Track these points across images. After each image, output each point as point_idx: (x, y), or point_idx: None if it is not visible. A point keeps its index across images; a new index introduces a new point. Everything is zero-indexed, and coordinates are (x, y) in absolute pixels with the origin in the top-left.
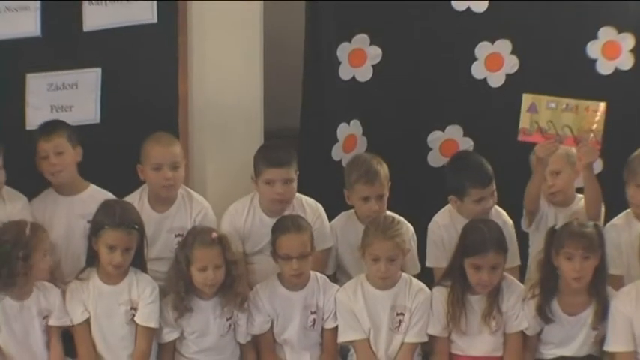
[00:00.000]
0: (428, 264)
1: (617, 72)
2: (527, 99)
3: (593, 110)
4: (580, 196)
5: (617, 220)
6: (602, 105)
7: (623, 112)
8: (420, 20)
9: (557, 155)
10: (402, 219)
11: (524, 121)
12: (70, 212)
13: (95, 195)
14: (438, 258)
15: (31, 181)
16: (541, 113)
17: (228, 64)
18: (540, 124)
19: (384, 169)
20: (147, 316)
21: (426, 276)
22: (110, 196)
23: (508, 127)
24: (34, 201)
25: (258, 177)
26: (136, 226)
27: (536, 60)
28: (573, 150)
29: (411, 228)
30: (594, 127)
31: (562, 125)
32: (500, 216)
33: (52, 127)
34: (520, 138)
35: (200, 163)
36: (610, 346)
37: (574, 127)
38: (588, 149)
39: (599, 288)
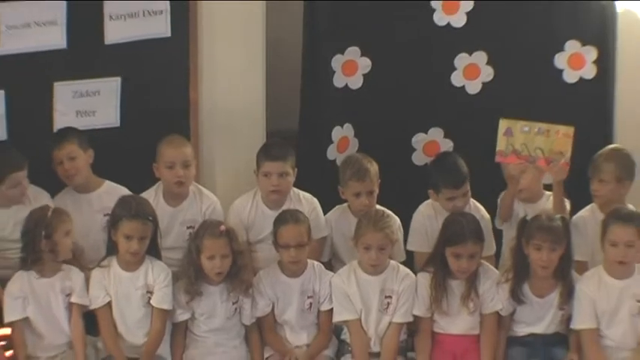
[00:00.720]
0: (408, 247)
1: (582, 81)
2: (503, 124)
3: (563, 134)
4: (548, 193)
5: (583, 212)
6: (571, 130)
7: (587, 117)
8: (405, 34)
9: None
10: (390, 212)
11: (501, 144)
12: (89, 208)
13: (110, 190)
14: (418, 243)
15: (56, 178)
16: (516, 137)
17: (233, 72)
18: (515, 147)
19: (373, 168)
20: (161, 300)
21: (410, 263)
22: (124, 190)
23: (484, 129)
24: (55, 198)
25: (258, 170)
26: (150, 218)
27: (509, 70)
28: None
29: (398, 220)
30: (565, 149)
31: (535, 147)
32: (479, 210)
33: (62, 136)
34: (497, 159)
35: (209, 161)
36: (576, 324)
37: (545, 149)
38: (559, 169)
39: (564, 273)
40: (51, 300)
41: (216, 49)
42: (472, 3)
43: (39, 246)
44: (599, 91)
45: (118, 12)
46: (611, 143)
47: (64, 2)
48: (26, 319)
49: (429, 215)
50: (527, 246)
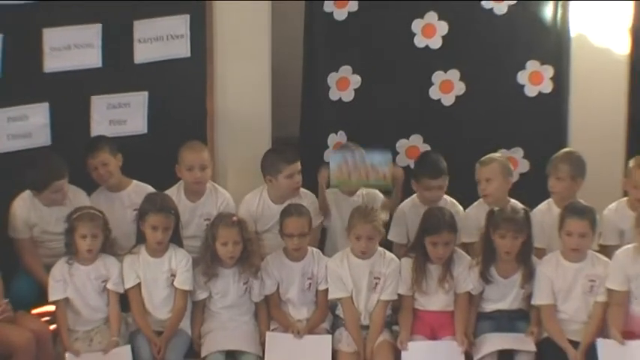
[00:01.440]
0: (389, 237)
1: (541, 95)
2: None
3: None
4: (513, 200)
5: (542, 206)
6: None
7: (546, 125)
8: (390, 55)
9: (492, 166)
10: (378, 208)
11: None
12: (120, 204)
13: (137, 189)
14: (398, 235)
15: (91, 177)
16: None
17: (244, 87)
18: None
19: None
20: (183, 281)
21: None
22: (150, 189)
23: (458, 136)
24: (91, 197)
25: (279, 173)
26: (172, 212)
27: (479, 85)
28: (509, 164)
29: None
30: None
31: None
32: (454, 205)
33: (95, 146)
34: None
35: (223, 163)
36: (536, 301)
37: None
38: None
39: (526, 257)
40: (87, 285)
41: (229, 67)
42: (446, 26)
43: (69, 242)
44: (555, 103)
45: (145, 36)
46: (566, 147)
47: (100, 27)
48: (67, 299)
49: (409, 209)
50: (494, 234)
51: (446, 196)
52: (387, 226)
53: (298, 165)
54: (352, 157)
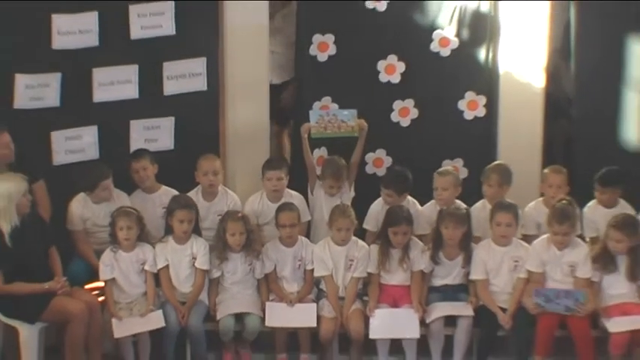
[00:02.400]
0: (364, 226)
1: (476, 118)
2: None
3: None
4: (457, 201)
5: (478, 204)
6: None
7: (480, 143)
8: (361, 88)
9: (448, 178)
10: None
11: None
12: (152, 204)
13: (166, 192)
14: (370, 225)
15: (129, 184)
16: None
17: (248, 113)
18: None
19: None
20: (202, 263)
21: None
22: (175, 192)
23: (413, 151)
24: (130, 197)
25: (264, 176)
26: (194, 208)
27: (429, 111)
28: (459, 177)
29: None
30: None
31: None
32: (415, 205)
33: (139, 154)
34: None
35: (232, 172)
36: (473, 276)
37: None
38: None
39: (466, 244)
40: (129, 267)
41: (236, 98)
42: (404, 66)
43: (112, 233)
44: (487, 125)
45: (172, 74)
46: (496, 159)
47: (137, 67)
48: (113, 278)
49: (378, 210)
50: (442, 226)
51: (408, 197)
52: (360, 216)
53: (279, 173)
54: (327, 114)
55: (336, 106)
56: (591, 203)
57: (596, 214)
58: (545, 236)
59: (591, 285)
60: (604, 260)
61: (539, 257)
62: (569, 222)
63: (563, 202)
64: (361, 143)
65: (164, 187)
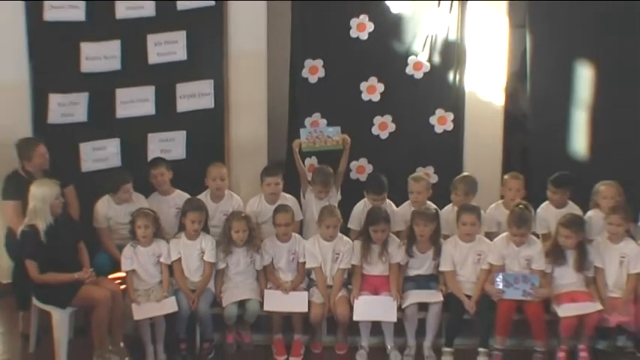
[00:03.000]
0: (349, 225)
1: (445, 132)
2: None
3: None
4: (428, 202)
5: (447, 207)
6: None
7: (448, 154)
8: (345, 105)
9: (422, 183)
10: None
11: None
12: (167, 205)
13: (180, 195)
14: (354, 224)
15: (147, 187)
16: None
17: (249, 127)
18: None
19: (338, 214)
20: (209, 256)
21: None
22: (187, 196)
23: (391, 160)
24: (148, 199)
25: (262, 182)
26: (204, 210)
27: (405, 125)
28: (430, 182)
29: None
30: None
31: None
32: (391, 206)
33: (157, 162)
34: None
35: (236, 177)
36: (442, 268)
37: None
38: None
39: (435, 240)
40: (146, 260)
41: (240, 114)
42: (383, 86)
43: (132, 230)
44: (455, 137)
45: (184, 93)
46: (462, 172)
47: (154, 88)
48: (133, 270)
49: (361, 210)
50: (415, 224)
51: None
52: (345, 216)
53: (276, 178)
54: (315, 131)
55: (324, 121)
56: (544, 204)
57: (547, 214)
58: (504, 234)
59: (544, 276)
60: (555, 254)
61: (499, 252)
62: (525, 226)
63: (521, 206)
64: (346, 154)
65: (178, 191)
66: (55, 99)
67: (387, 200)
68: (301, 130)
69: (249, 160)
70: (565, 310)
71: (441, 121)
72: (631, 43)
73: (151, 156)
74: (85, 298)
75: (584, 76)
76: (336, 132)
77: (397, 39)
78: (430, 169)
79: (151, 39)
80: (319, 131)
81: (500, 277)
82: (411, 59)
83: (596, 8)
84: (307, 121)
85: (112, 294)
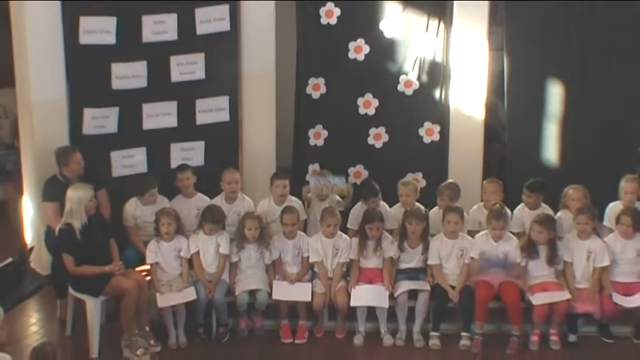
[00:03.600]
0: (347, 225)
1: (432, 142)
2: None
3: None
4: (417, 204)
5: (434, 209)
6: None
7: (434, 163)
8: (344, 119)
9: (410, 187)
10: (335, 205)
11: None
12: (189, 206)
13: (201, 198)
14: (352, 223)
15: (170, 190)
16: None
17: (260, 138)
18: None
19: (338, 214)
20: (224, 249)
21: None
22: (207, 199)
23: (383, 165)
24: (171, 201)
25: (272, 184)
26: (221, 222)
27: (397, 136)
28: (418, 186)
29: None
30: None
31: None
32: (385, 206)
33: (184, 167)
34: None
35: (248, 181)
36: (430, 261)
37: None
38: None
39: (424, 237)
40: (169, 254)
41: (253, 126)
42: (377, 102)
43: (156, 227)
44: (441, 147)
45: (203, 108)
46: (447, 177)
47: (176, 103)
48: (157, 262)
49: (358, 213)
50: (406, 223)
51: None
52: (344, 217)
53: (284, 181)
54: (323, 179)
55: (326, 132)
56: (519, 206)
57: (522, 215)
58: (484, 231)
59: (520, 268)
60: (529, 249)
61: (480, 247)
62: (503, 219)
63: (497, 205)
64: (348, 199)
65: (199, 194)
66: (89, 113)
67: (382, 202)
68: (310, 179)
69: (260, 166)
70: (538, 299)
71: (428, 132)
72: (595, 64)
73: (173, 163)
74: (115, 288)
75: (555, 93)
76: (341, 181)
77: (390, 60)
78: (419, 175)
79: (174, 60)
80: (327, 180)
81: (486, 255)
82: (403, 78)
83: (566, 34)
84: (310, 132)
85: (139, 284)
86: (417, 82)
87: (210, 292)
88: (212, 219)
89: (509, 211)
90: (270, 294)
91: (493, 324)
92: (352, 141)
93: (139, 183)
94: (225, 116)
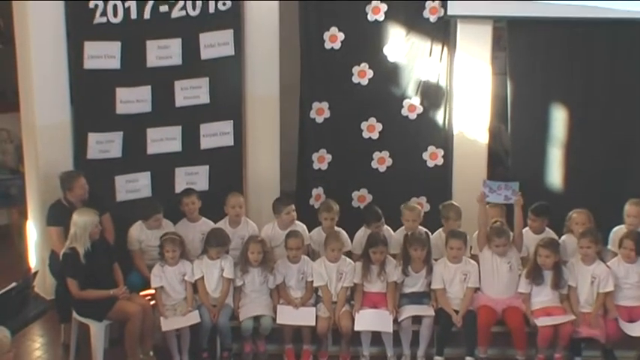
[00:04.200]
0: (351, 250)
1: (436, 166)
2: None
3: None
4: (421, 227)
5: (435, 234)
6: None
7: (438, 186)
8: (348, 143)
9: (415, 212)
10: (342, 231)
11: None
12: (194, 230)
13: (205, 222)
14: (355, 248)
15: (174, 214)
16: None
17: (264, 163)
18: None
19: (335, 207)
20: (228, 273)
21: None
22: (211, 223)
23: (387, 189)
24: (176, 225)
25: (282, 211)
26: (226, 246)
27: (400, 160)
28: (421, 210)
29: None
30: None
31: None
32: (389, 230)
33: (189, 191)
34: None
35: (252, 206)
36: (433, 286)
37: None
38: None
39: (428, 261)
40: (173, 278)
41: (257, 150)
42: (381, 126)
43: (161, 252)
44: (445, 171)
45: (207, 132)
46: (450, 196)
47: (180, 128)
48: (162, 287)
49: (361, 236)
50: (410, 247)
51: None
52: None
53: (292, 207)
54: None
55: (329, 156)
56: (524, 230)
57: (527, 239)
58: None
59: (524, 295)
60: (534, 275)
61: (483, 266)
62: (505, 235)
63: (497, 222)
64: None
65: (204, 219)
66: (93, 137)
67: (385, 226)
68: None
69: (264, 190)
70: (543, 321)
71: (432, 156)
72: (598, 89)
73: (178, 188)
74: (119, 312)
75: (558, 118)
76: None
77: (394, 84)
78: (423, 199)
79: (178, 84)
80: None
81: (486, 183)
82: (406, 102)
83: (569, 58)
84: (314, 156)
85: (143, 308)
86: (421, 107)
87: (214, 317)
88: (216, 242)
89: (508, 228)
90: (274, 319)
91: (497, 348)
92: (356, 165)
93: (144, 208)
94: (229, 140)
